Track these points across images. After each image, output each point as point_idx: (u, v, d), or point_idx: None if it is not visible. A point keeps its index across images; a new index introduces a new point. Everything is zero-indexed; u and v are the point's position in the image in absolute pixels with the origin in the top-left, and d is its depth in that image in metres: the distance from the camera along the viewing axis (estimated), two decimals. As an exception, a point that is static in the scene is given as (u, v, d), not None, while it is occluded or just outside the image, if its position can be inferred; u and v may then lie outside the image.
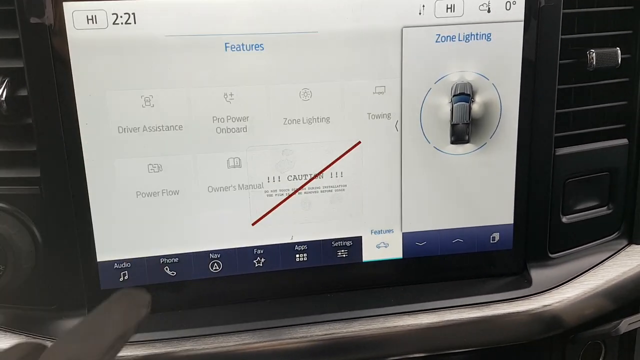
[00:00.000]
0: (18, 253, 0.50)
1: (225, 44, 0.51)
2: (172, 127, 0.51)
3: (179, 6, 0.49)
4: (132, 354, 0.51)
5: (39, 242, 0.52)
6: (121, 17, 0.49)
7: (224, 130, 0.52)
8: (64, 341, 0.33)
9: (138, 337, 0.52)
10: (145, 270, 0.54)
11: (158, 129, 0.51)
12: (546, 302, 0.58)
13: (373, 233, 0.58)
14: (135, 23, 0.49)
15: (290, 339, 0.54)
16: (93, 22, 0.48)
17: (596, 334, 0.61)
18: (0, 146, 0.51)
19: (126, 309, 0.34)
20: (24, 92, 0.49)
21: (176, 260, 0.55)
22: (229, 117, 0.52)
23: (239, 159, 0.53)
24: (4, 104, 0.49)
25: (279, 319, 0.55)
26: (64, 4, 0.48)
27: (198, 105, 0.51)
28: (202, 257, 0.55)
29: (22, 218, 0.51)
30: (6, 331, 0.52)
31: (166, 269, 0.54)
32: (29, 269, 0.51)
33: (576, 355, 0.63)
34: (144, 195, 0.52)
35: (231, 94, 0.51)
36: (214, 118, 0.52)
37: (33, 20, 0.48)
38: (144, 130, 0.51)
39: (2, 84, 0.49)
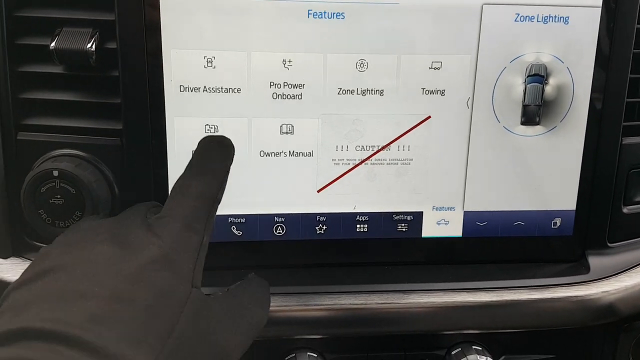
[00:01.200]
0: (96, 200, 0.51)
1: (309, 11, 0.52)
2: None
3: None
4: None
5: (116, 192, 0.53)
6: (212, -23, 0.50)
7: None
8: (184, 176, 0.44)
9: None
10: (214, 228, 0.55)
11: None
12: (603, 289, 0.58)
13: (435, 209, 0.58)
14: (225, -16, 0.50)
15: (350, 304, 0.55)
16: (185, -19, 0.50)
17: (651, 325, 0.61)
18: (85, 97, 0.52)
19: (218, 150, 0.45)
20: (113, 45, 0.51)
21: (243, 220, 0.56)
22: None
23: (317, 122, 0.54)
24: (94, 55, 0.50)
25: (338, 284, 0.56)
26: (158, -39, 0.49)
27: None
28: (267, 220, 0.56)
29: (102, 168, 0.53)
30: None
31: (233, 228, 0.56)
32: (104, 218, 0.52)
33: (628, 344, 0.63)
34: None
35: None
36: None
37: (126, -24, 0.49)
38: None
39: (93, 35, 0.50)
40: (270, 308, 0.53)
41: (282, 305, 0.54)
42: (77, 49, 0.50)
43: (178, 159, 0.53)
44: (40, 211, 0.51)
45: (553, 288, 0.58)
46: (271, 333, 0.55)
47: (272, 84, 0.53)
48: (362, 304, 0.55)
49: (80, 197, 0.51)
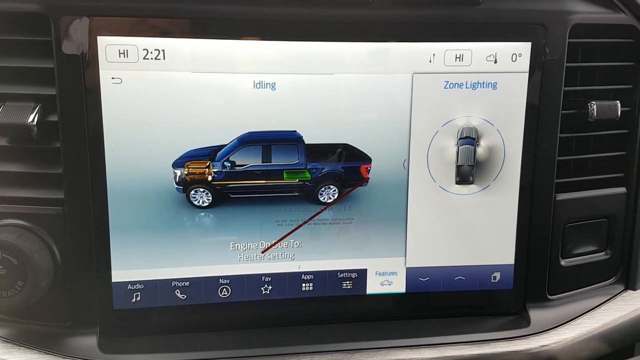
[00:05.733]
0: (37, 270, 0.52)
1: (254, 81, 0.54)
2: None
3: (206, 46, 0.52)
4: (140, 373, 0.52)
5: (58, 260, 0.54)
6: (151, 52, 0.52)
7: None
8: None
9: (147, 357, 0.53)
10: (157, 293, 0.56)
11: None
12: (544, 343, 0.59)
13: (378, 265, 0.60)
14: (164, 59, 0.52)
15: (294, 366, 0.55)
16: (125, 56, 0.52)
17: (591, 377, 0.62)
18: (27, 167, 0.53)
19: None
20: (54, 118, 0.52)
21: (187, 284, 0.57)
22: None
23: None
24: (35, 128, 0.51)
25: (283, 346, 0.56)
26: (98, 38, 0.51)
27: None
28: (212, 282, 0.57)
29: (44, 237, 0.53)
30: (19, 346, 0.54)
31: (177, 292, 0.56)
32: (46, 286, 0.53)
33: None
34: (160, 222, 0.55)
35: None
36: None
37: (68, 51, 0.51)
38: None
39: (35, 109, 0.52)
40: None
41: (226, 369, 0.54)
42: (19, 123, 0.51)
43: (120, 225, 0.54)
44: (-18, 281, 0.51)
45: (494, 343, 0.59)
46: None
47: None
48: (305, 365, 0.56)
49: (22, 268, 0.51)
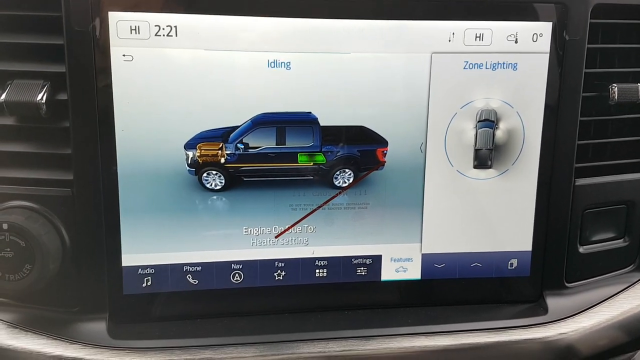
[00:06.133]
0: (46, 253, 0.50)
1: (268, 60, 0.52)
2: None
3: (219, 22, 0.51)
4: (151, 359, 0.51)
5: (67, 243, 0.52)
6: (163, 29, 0.50)
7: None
8: None
9: (157, 343, 0.52)
10: (169, 278, 0.55)
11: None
12: (561, 331, 0.58)
13: (393, 251, 0.58)
14: (176, 36, 0.51)
15: (308, 353, 0.54)
16: (136, 33, 0.50)
17: (610, 365, 0.61)
18: (35, 148, 0.52)
19: None
20: (63, 96, 0.51)
21: (199, 269, 0.55)
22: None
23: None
24: (44, 107, 0.50)
25: (297, 332, 0.55)
26: (109, 13, 0.49)
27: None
28: (224, 267, 0.56)
29: (52, 219, 0.52)
30: (27, 331, 0.52)
31: (189, 277, 0.55)
32: (54, 270, 0.51)
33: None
34: (171, 205, 0.53)
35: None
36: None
37: (78, 27, 0.49)
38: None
39: (44, 87, 0.50)
40: (227, 359, 0.53)
41: (239, 356, 0.53)
42: (28, 101, 0.50)
43: (130, 208, 0.53)
44: (-11, 264, 0.50)
45: (511, 330, 0.58)
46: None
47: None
48: (320, 352, 0.54)
49: (31, 250, 0.50)
